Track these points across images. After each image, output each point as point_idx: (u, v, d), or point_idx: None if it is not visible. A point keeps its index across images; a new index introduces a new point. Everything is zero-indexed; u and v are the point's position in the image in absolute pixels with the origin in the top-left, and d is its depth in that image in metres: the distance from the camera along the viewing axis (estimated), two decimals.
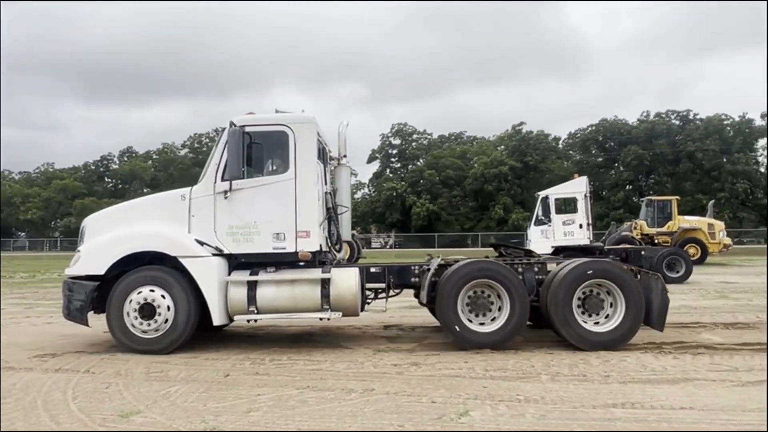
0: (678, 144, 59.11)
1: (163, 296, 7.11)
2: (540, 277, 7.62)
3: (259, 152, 7.51)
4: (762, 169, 60.09)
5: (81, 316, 7.27)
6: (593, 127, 63.93)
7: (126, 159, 74.39)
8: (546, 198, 23.03)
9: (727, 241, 26.34)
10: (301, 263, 7.44)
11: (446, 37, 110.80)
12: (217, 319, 7.17)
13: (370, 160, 72.49)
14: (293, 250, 7.35)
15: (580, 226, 21.47)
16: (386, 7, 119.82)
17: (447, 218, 59.23)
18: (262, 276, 7.26)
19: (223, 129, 7.54)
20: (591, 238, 20.98)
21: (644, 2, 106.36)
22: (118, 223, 7.58)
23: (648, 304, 7.24)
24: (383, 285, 7.82)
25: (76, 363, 6.70)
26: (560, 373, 5.92)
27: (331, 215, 8.13)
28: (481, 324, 7.22)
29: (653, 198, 28.66)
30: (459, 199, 61.06)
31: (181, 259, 7.21)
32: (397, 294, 8.17)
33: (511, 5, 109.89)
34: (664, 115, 62.73)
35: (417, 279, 7.89)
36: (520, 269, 7.59)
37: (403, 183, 65.57)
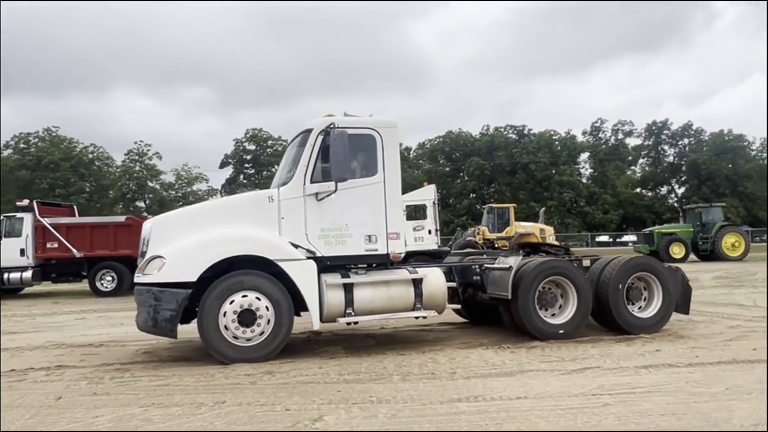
0: (515, 156, 64.45)
1: (260, 300, 6.81)
2: None
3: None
4: (584, 180, 67.44)
5: (171, 327, 6.66)
6: (441, 139, 67.59)
7: None
8: None
9: (556, 244, 29.17)
10: (392, 264, 7.60)
11: (296, 45, 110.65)
12: (317, 322, 7.04)
13: (223, 165, 70.32)
14: (384, 252, 7.45)
15: (429, 231, 22.50)
16: (232, 11, 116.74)
17: None
18: (359, 278, 7.27)
19: (304, 131, 7.52)
20: (439, 243, 22.08)
21: (476, 26, 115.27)
22: (196, 226, 7.06)
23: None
24: (455, 284, 8.10)
25: None
26: (411, 372, 6.15)
27: None
28: (553, 315, 7.90)
29: (493, 205, 30.95)
30: None
31: (280, 263, 6.91)
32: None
33: (357, 18, 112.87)
34: (502, 129, 68.07)
35: (479, 277, 8.25)
36: None
37: (258, 189, 64.16)
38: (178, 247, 6.88)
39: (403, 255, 7.60)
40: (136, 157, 66.33)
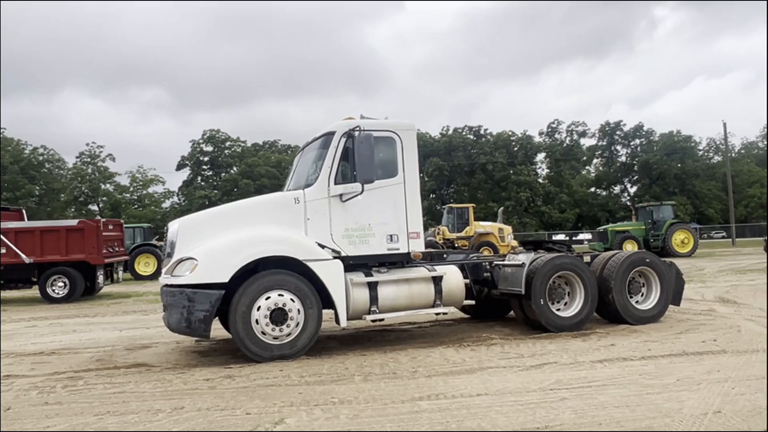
0: (473, 157, 65.21)
1: (292, 300, 6.92)
2: None
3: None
4: (540, 180, 68.74)
5: (205, 328, 6.68)
6: None
7: None
8: None
9: (514, 243, 29.59)
10: (407, 263, 7.80)
11: (251, 46, 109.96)
12: (344, 320, 7.15)
13: (180, 167, 68.99)
14: (406, 251, 7.67)
15: None
16: (185, 11, 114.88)
17: None
18: (383, 276, 7.45)
19: (326, 133, 7.64)
20: None
21: (430, 30, 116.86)
22: (223, 228, 7.14)
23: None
24: (469, 281, 8.28)
25: None
26: (372, 372, 6.16)
27: None
28: (558, 310, 8.15)
29: (453, 206, 31.21)
30: None
31: (309, 263, 7.02)
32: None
33: (313, 20, 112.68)
34: (460, 130, 68.77)
35: (489, 274, 8.57)
36: None
37: (216, 191, 63.31)
38: (209, 248, 6.90)
39: (422, 253, 7.85)
40: (88, 160, 64.46)
